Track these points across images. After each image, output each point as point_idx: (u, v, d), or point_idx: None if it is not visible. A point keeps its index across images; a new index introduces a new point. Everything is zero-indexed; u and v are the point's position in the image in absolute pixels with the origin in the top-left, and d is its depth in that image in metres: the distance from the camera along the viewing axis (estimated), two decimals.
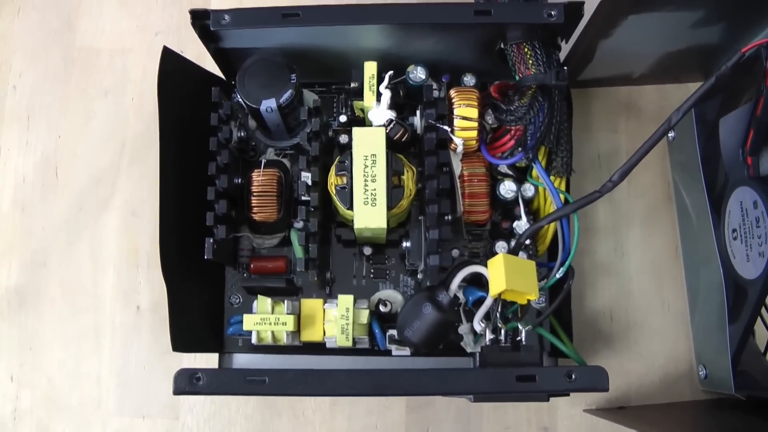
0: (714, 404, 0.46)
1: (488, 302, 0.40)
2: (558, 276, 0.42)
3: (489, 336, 0.40)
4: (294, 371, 0.35)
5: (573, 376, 0.35)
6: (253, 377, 0.35)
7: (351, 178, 0.40)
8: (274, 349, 0.43)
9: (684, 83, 0.51)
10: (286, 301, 0.42)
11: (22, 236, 0.50)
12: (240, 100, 0.42)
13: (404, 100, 0.44)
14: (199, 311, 0.43)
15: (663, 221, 0.49)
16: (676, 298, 0.48)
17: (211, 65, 0.45)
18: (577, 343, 0.44)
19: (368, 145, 0.40)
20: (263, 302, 0.41)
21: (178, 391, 0.35)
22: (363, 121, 0.45)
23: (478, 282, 0.41)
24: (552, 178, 0.43)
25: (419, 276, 0.45)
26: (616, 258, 0.49)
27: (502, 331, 0.40)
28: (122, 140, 0.51)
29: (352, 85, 0.43)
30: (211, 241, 0.40)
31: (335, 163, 0.41)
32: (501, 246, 0.43)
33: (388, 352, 0.43)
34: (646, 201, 0.50)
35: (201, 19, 0.39)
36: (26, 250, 0.49)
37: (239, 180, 0.43)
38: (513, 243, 0.43)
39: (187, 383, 0.35)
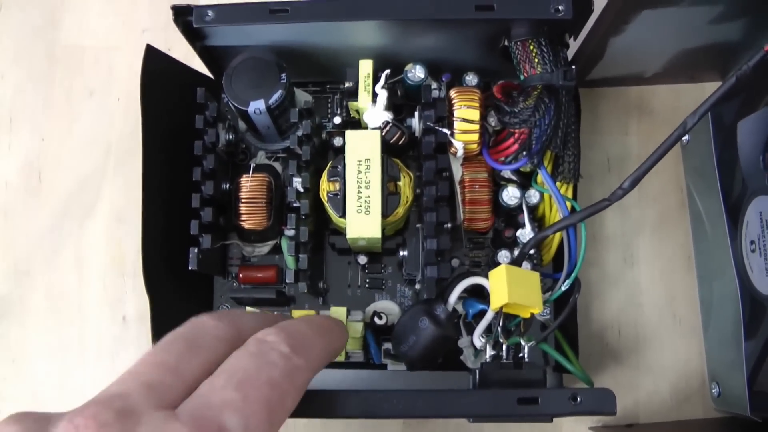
0: (727, 423, 0.43)
1: (489, 316, 0.38)
2: (564, 288, 0.40)
3: (490, 352, 0.38)
4: None
5: (578, 398, 0.33)
6: None
7: (344, 184, 0.38)
8: None
9: (699, 83, 0.48)
10: (276, 313, 0.40)
11: (5, 244, 0.48)
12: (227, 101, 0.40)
13: (402, 101, 0.42)
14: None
15: (675, 230, 0.47)
16: (689, 311, 0.46)
17: (200, 64, 0.43)
18: (583, 358, 0.42)
19: (362, 150, 0.38)
20: None
21: None
22: (359, 123, 0.42)
23: (479, 293, 0.39)
24: (558, 184, 0.40)
25: (417, 286, 0.43)
26: (625, 268, 0.46)
27: (504, 347, 0.38)
28: (108, 143, 0.49)
29: (347, 84, 0.40)
30: (196, 251, 0.38)
31: (327, 168, 0.39)
32: (504, 255, 0.41)
33: (383, 366, 0.41)
34: (657, 208, 0.47)
35: (183, 16, 0.37)
36: (9, 257, 0.47)
37: (227, 185, 0.41)
38: (516, 252, 0.41)
39: None
